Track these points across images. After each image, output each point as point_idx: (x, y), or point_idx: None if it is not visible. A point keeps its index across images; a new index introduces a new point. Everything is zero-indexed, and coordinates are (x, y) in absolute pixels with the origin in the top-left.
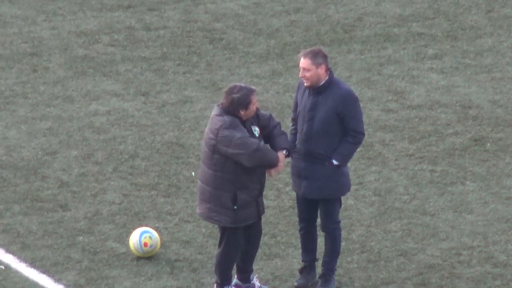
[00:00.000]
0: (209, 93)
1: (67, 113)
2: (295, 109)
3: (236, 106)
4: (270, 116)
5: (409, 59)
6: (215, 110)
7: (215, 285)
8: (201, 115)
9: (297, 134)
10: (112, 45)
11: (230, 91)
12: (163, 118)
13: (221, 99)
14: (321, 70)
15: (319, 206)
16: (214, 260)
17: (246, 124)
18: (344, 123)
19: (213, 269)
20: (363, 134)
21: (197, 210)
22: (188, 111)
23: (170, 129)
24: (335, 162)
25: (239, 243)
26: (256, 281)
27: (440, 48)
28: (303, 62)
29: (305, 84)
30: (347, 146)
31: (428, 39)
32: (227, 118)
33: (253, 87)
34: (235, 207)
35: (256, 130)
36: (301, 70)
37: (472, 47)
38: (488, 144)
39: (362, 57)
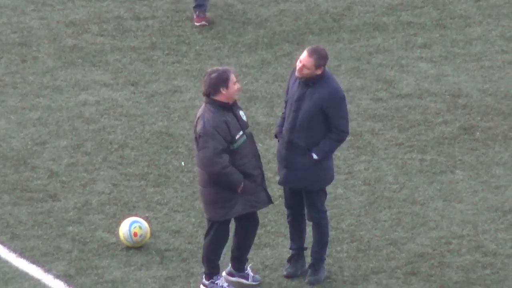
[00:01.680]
0: (198, 82)
1: (56, 103)
2: (287, 93)
3: (217, 84)
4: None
5: (398, 48)
6: (200, 109)
7: (204, 275)
8: (190, 104)
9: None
10: (101, 35)
11: (208, 73)
12: (153, 108)
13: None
14: (319, 71)
15: (303, 195)
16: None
17: (233, 108)
18: (328, 120)
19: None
20: (347, 133)
21: (208, 215)
22: (177, 100)
23: (160, 119)
24: (314, 156)
25: (227, 234)
26: (249, 271)
27: (429, 37)
28: (307, 59)
29: (296, 74)
30: (328, 143)
31: (417, 28)
32: (207, 123)
33: (228, 67)
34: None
35: (243, 115)
36: (300, 64)
37: (461, 36)
38: (478, 133)
39: (351, 46)
